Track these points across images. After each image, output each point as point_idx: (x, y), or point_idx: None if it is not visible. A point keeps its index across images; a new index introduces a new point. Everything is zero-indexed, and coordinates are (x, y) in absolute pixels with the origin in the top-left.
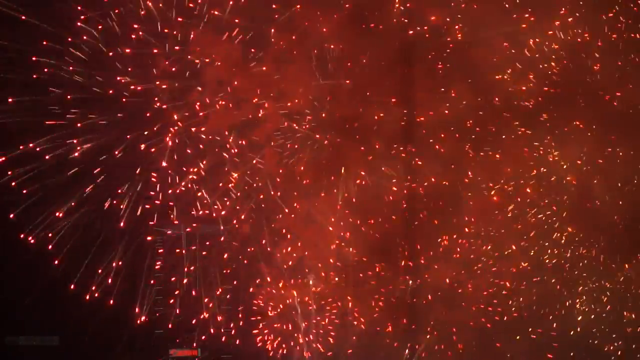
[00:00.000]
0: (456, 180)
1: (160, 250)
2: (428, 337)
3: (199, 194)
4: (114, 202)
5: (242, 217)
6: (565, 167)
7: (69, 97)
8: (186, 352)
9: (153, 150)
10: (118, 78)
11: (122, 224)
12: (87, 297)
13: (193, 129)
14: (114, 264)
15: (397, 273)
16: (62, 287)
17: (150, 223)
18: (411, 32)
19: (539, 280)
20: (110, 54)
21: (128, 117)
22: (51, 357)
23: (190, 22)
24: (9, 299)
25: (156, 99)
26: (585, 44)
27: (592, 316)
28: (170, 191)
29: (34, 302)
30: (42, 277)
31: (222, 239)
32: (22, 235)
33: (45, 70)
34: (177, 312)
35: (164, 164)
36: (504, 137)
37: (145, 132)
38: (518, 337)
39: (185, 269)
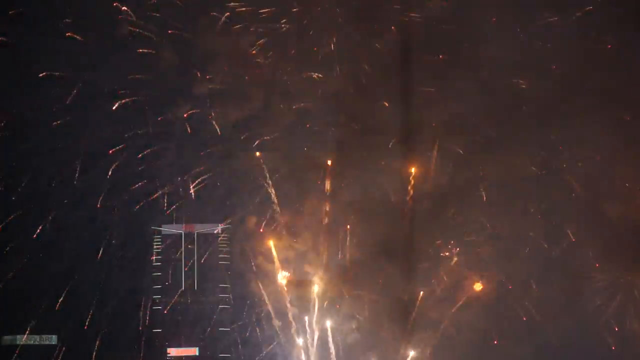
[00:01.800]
0: (463, 180)
1: (159, 250)
2: (428, 335)
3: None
4: (115, 201)
5: (246, 214)
6: (576, 167)
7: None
8: (184, 351)
9: (156, 148)
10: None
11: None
12: (87, 297)
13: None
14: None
15: (400, 272)
16: (62, 287)
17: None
18: (419, 31)
19: (545, 282)
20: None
21: (132, 115)
22: (50, 356)
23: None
24: (8, 299)
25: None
26: (599, 43)
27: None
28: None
29: (33, 302)
30: (42, 277)
31: (221, 237)
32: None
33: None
34: (176, 311)
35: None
36: (512, 137)
37: (150, 129)
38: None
39: (185, 268)
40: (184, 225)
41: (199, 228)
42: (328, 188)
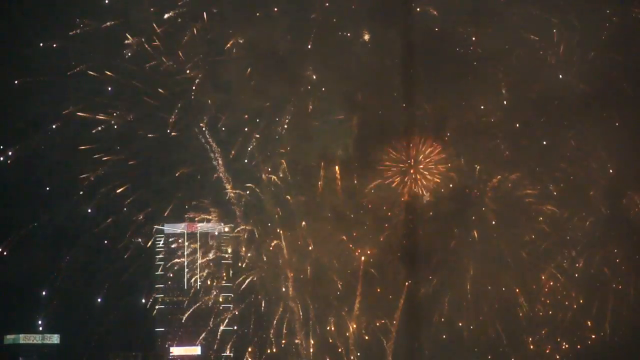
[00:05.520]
0: (480, 182)
1: (162, 249)
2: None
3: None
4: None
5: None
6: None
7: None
8: (187, 351)
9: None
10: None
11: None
12: (89, 296)
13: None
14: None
15: (413, 273)
16: (63, 286)
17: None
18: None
19: (559, 283)
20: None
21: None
22: (51, 355)
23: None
24: (8, 298)
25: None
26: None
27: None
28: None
29: (34, 301)
30: (43, 276)
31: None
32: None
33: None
34: (179, 310)
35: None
36: (531, 139)
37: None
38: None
39: (186, 268)
40: (187, 224)
41: (202, 227)
42: (340, 185)
